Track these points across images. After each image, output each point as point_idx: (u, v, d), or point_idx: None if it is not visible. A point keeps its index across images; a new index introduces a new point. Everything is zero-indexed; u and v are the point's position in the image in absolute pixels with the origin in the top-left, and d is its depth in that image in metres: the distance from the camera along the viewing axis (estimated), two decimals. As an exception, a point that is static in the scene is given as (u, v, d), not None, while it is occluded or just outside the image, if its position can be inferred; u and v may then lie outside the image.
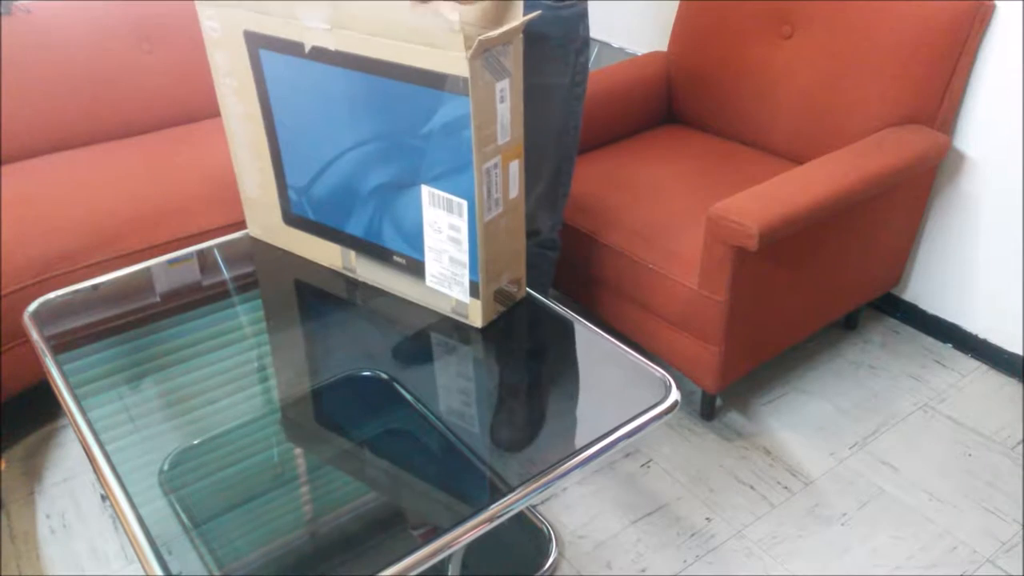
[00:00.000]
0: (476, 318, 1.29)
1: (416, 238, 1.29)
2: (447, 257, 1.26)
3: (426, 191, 1.22)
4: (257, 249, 1.53)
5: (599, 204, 1.84)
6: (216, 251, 1.53)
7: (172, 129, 2.19)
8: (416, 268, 1.32)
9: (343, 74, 1.21)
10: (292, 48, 1.25)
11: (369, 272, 1.40)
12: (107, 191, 1.83)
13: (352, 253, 1.40)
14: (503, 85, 1.12)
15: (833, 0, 1.83)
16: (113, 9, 2.11)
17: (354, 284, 1.42)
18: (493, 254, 1.24)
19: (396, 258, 1.34)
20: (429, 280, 1.31)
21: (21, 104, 2.00)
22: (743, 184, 1.82)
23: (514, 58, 1.12)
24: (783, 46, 1.93)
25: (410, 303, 1.36)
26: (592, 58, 2.76)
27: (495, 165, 1.17)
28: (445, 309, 1.32)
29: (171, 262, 1.50)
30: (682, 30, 2.14)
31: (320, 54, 1.22)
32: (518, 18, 1.09)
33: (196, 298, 1.40)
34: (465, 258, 1.23)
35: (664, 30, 2.42)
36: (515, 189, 1.23)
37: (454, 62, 1.07)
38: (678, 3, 2.16)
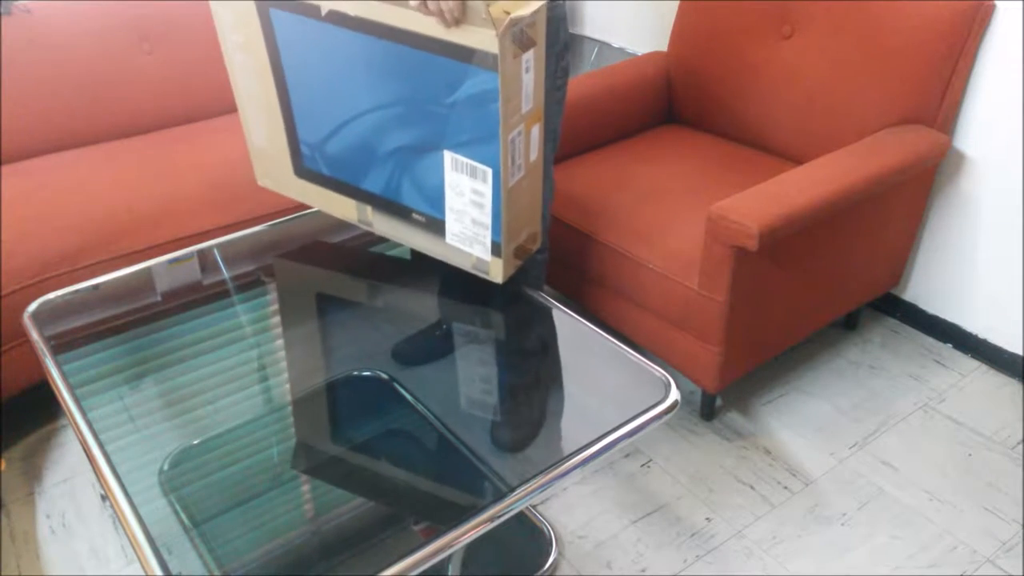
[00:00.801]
0: (497, 274, 1.28)
1: (436, 198, 1.27)
2: (469, 218, 1.24)
3: (448, 156, 1.21)
4: (271, 245, 1.53)
5: (599, 204, 1.84)
6: (216, 251, 1.53)
7: (172, 129, 2.19)
8: (436, 226, 1.30)
9: (361, 39, 1.18)
10: (306, 10, 1.21)
11: (387, 227, 1.37)
12: (107, 191, 1.83)
13: (368, 207, 1.37)
14: (528, 56, 1.11)
15: (833, 0, 1.83)
16: (113, 9, 2.11)
17: (362, 285, 1.41)
18: (515, 215, 1.23)
19: (415, 215, 1.32)
20: (450, 239, 1.29)
21: (21, 104, 2.00)
22: (743, 184, 1.82)
23: (538, 26, 1.11)
24: (783, 46, 1.93)
25: (420, 296, 1.35)
26: (592, 58, 2.76)
27: (519, 133, 1.16)
28: (465, 265, 1.31)
29: (172, 262, 1.50)
30: (682, 30, 2.14)
31: (337, 17, 1.19)
32: None
33: (196, 297, 1.40)
34: (488, 220, 1.22)
35: (664, 30, 2.42)
36: (535, 151, 1.22)
37: (483, 38, 1.05)
38: (678, 3, 2.16)
